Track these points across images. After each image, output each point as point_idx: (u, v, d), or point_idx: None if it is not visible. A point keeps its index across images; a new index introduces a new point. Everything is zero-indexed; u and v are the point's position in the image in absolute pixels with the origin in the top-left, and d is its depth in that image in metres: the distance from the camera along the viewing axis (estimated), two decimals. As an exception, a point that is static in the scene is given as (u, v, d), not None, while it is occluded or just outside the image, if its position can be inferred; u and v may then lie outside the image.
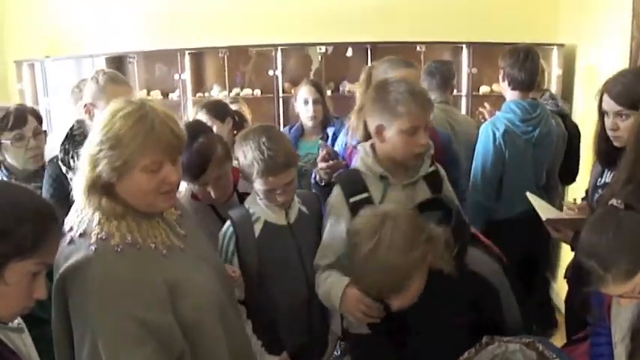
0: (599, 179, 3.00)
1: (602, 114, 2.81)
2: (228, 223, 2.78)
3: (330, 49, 6.81)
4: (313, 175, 3.29)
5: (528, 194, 3.18)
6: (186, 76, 6.84)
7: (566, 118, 4.73)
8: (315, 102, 4.69)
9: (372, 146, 2.84)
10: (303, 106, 4.72)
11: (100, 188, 2.04)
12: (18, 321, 1.83)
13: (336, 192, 2.82)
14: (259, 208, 2.78)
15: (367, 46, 6.66)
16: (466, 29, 6.72)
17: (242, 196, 3.05)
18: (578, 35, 6.39)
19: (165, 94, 6.99)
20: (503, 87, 4.22)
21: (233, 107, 4.97)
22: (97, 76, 3.12)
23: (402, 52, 6.91)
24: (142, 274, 2.02)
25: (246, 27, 6.88)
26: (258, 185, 2.69)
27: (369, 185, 2.78)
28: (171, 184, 2.11)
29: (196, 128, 2.89)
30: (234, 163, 2.92)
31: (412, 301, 2.28)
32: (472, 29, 6.72)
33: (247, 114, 5.22)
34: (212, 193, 2.87)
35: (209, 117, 4.04)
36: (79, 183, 2.07)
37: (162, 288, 2.04)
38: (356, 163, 2.90)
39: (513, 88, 4.06)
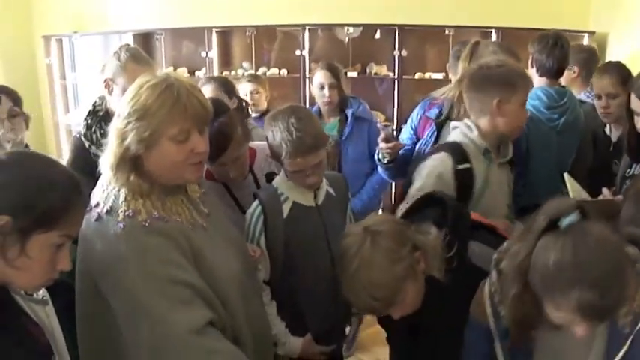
0: (628, 170, 2.99)
1: (630, 111, 2.79)
2: (256, 202, 2.77)
3: (358, 30, 6.79)
4: (377, 153, 3.60)
5: (566, 175, 3.14)
6: (213, 54, 6.86)
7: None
8: (330, 86, 4.62)
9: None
10: (319, 90, 4.67)
11: (128, 163, 2.05)
12: (42, 293, 1.84)
13: (444, 157, 2.80)
14: (288, 188, 2.78)
15: (395, 28, 6.63)
16: (496, 14, 6.65)
17: (256, 177, 3.04)
18: (610, 23, 6.32)
19: (191, 72, 6.99)
20: (531, 73, 4.17)
21: (250, 86, 5.05)
22: (119, 52, 3.10)
23: (431, 35, 6.95)
24: (173, 242, 2.06)
25: (273, 6, 6.87)
26: (287, 166, 2.68)
27: (472, 159, 2.79)
28: (199, 155, 2.12)
29: (217, 107, 2.86)
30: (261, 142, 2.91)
31: (414, 307, 2.25)
32: (502, 14, 6.65)
33: (264, 94, 5.15)
34: (230, 173, 2.86)
35: (219, 91, 4.01)
36: (107, 158, 2.08)
37: (189, 255, 2.10)
38: (455, 137, 2.91)
39: (541, 75, 3.99)
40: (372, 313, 2.39)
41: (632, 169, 2.96)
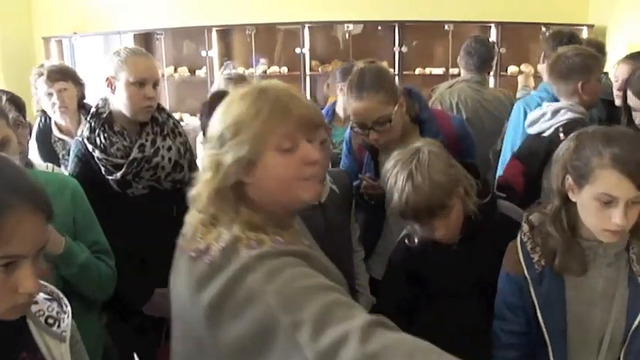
0: None
1: (627, 106, 2.83)
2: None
3: (359, 27, 6.83)
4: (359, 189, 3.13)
5: None
6: (214, 53, 6.87)
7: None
8: None
9: None
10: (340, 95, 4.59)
11: (231, 193, 1.69)
12: (64, 327, 1.61)
13: None
14: None
15: (395, 24, 6.66)
16: (495, 9, 6.68)
17: None
18: (608, 16, 6.34)
19: (192, 71, 7.01)
20: (542, 68, 4.21)
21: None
22: (119, 51, 3.10)
23: (430, 31, 6.96)
24: (308, 260, 1.64)
25: (273, 4, 6.89)
26: None
27: None
28: (313, 165, 1.71)
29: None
30: None
31: (454, 233, 2.30)
32: (501, 9, 6.68)
33: None
34: None
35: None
36: (201, 192, 1.70)
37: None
38: (570, 115, 3.04)
39: None
40: (422, 216, 2.31)
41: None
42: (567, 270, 2.04)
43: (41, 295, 1.59)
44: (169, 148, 2.99)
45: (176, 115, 6.86)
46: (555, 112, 3.09)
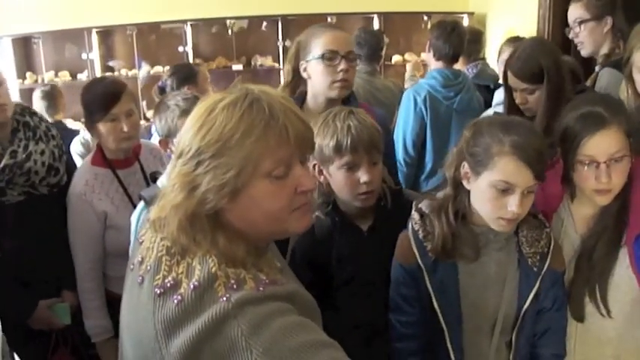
0: None
1: (509, 88, 2.89)
2: (141, 204, 2.67)
3: (245, 22, 6.82)
4: None
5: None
6: (95, 55, 6.69)
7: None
8: None
9: None
10: None
11: (205, 221, 1.43)
12: None
13: None
14: None
15: (278, 19, 6.67)
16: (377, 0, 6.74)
17: (143, 166, 3.07)
18: (488, 4, 6.52)
19: (73, 75, 6.82)
20: (427, 57, 4.30)
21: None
22: None
23: (314, 23, 6.88)
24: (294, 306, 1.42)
25: (155, 3, 6.73)
26: None
27: None
28: (305, 194, 1.49)
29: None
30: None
31: (377, 185, 2.29)
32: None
33: None
34: (124, 127, 2.85)
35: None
36: (170, 216, 1.44)
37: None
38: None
39: (438, 59, 4.13)
40: (355, 152, 2.24)
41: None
42: (460, 257, 2.07)
43: None
44: (42, 152, 2.92)
45: (59, 121, 6.70)
46: None
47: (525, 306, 2.07)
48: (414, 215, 2.15)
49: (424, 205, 2.15)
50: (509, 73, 2.84)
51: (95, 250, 2.92)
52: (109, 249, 2.93)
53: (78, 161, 3.84)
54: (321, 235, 2.30)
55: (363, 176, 2.19)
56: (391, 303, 2.22)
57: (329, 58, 2.68)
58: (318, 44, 2.72)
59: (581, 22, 3.29)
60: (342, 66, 2.69)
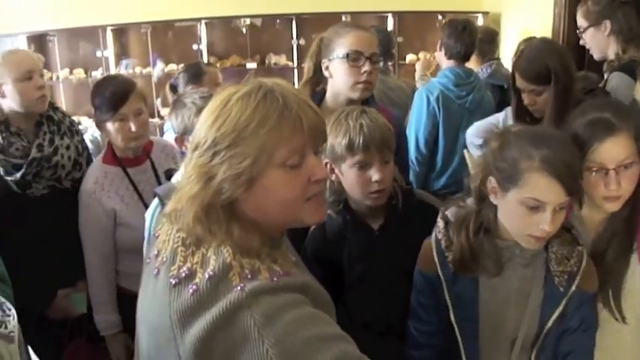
0: None
1: (517, 89, 2.89)
2: (156, 200, 2.67)
3: (258, 21, 6.81)
4: None
5: (465, 152, 3.24)
6: (109, 53, 6.70)
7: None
8: None
9: None
10: None
11: (221, 211, 1.45)
12: (11, 328, 1.59)
13: None
14: None
15: (292, 17, 6.67)
16: (392, -1, 6.72)
17: (154, 164, 3.09)
18: (502, 3, 6.49)
19: (88, 73, 6.83)
20: (439, 56, 4.28)
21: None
22: None
23: (328, 22, 6.88)
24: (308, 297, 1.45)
25: (169, 1, 6.74)
26: None
27: None
28: (318, 183, 1.52)
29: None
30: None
31: (389, 184, 2.28)
32: (398, -1, 6.73)
33: None
34: (133, 127, 2.87)
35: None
36: (186, 208, 1.46)
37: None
38: None
39: (449, 58, 4.14)
40: (367, 151, 2.25)
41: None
42: (481, 270, 2.00)
43: None
44: (68, 147, 3.01)
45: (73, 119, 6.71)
46: None
47: (548, 326, 1.99)
48: (439, 223, 2.08)
49: (450, 213, 2.08)
50: (516, 75, 2.85)
51: (104, 246, 2.95)
52: (120, 246, 2.97)
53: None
54: (332, 234, 2.32)
55: (374, 175, 2.18)
56: (411, 309, 2.19)
57: (353, 58, 2.68)
58: (342, 44, 2.71)
59: (583, 31, 3.29)
60: (366, 67, 2.68)
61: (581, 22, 3.28)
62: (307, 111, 1.46)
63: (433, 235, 2.09)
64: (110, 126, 2.87)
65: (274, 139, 1.40)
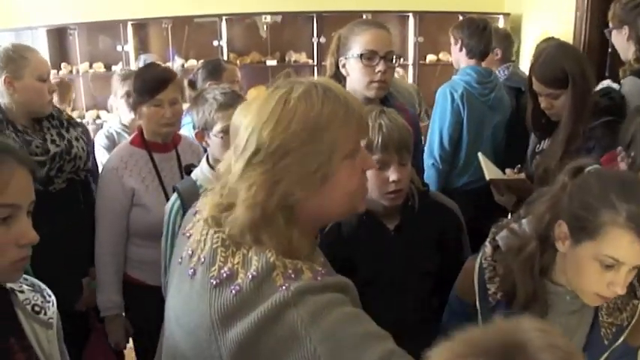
0: (537, 146, 3.09)
1: (534, 93, 2.89)
2: (175, 195, 2.68)
3: (278, 18, 6.82)
4: None
5: (480, 154, 3.24)
6: (129, 47, 6.71)
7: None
8: None
9: None
10: None
11: (280, 218, 1.41)
12: (50, 314, 1.59)
13: None
14: (208, 181, 2.66)
15: (313, 15, 6.65)
16: (413, -2, 6.68)
17: (179, 156, 3.13)
18: (523, 4, 6.45)
19: (108, 67, 6.84)
20: (458, 55, 4.27)
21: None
22: (8, 48, 2.97)
23: (348, 21, 6.86)
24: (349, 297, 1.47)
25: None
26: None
27: None
28: (365, 172, 1.57)
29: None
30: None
31: (405, 185, 2.27)
32: (419, -2, 6.69)
33: None
34: (166, 113, 2.94)
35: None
36: (239, 214, 1.42)
37: None
38: None
39: (471, 57, 4.13)
40: (386, 151, 2.22)
41: (541, 145, 3.03)
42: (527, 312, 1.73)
43: (25, 286, 1.57)
44: (77, 138, 3.07)
45: (92, 113, 6.75)
46: None
47: None
48: (487, 249, 1.91)
49: (501, 239, 1.89)
50: (533, 78, 2.85)
51: (118, 225, 2.99)
52: (133, 228, 3.01)
53: (103, 154, 3.91)
54: (348, 233, 2.28)
55: (392, 175, 2.18)
56: (441, 326, 2.08)
57: (368, 58, 2.67)
58: (357, 42, 2.70)
59: (609, 32, 3.32)
60: (380, 67, 2.67)
61: (610, 22, 3.30)
62: (355, 102, 1.49)
63: (478, 260, 1.93)
64: (145, 109, 2.95)
65: (344, 133, 1.42)
